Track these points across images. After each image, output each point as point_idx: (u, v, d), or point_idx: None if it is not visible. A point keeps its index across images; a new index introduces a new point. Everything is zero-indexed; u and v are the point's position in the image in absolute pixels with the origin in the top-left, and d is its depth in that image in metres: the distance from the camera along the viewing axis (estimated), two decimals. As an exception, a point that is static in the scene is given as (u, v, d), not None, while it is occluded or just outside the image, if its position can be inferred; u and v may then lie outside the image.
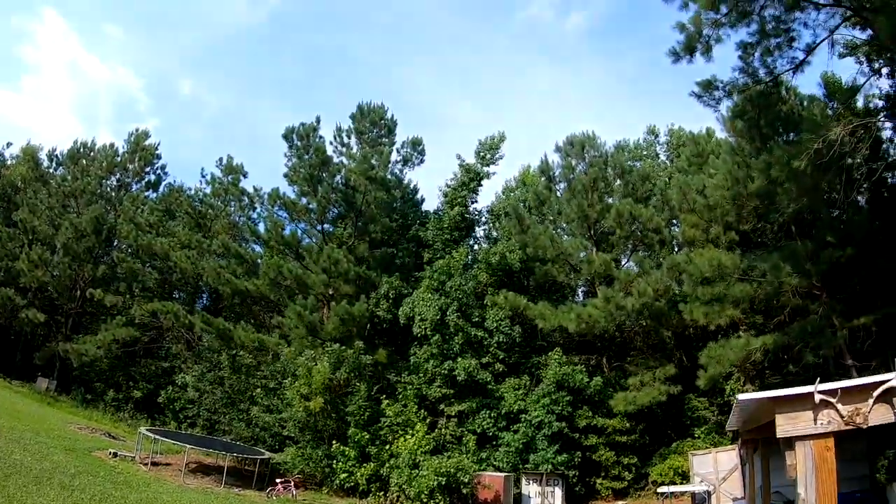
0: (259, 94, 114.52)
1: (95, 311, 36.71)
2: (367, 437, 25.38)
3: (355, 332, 28.37)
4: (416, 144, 34.62)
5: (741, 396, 4.52)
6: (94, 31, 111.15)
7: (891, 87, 22.62)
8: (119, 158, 40.73)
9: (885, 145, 24.45)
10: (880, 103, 21.92)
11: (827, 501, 4.23)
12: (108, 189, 40.22)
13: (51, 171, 41.70)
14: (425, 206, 35.85)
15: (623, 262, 30.90)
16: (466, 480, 23.32)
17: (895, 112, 22.34)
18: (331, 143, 34.01)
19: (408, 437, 25.24)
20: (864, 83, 22.20)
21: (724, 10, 20.89)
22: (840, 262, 22.02)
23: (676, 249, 29.52)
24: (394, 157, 33.99)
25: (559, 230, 31.80)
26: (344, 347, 26.47)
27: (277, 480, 22.87)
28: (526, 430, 26.27)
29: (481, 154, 31.71)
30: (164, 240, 34.61)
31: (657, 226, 28.73)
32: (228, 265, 31.75)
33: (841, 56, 24.22)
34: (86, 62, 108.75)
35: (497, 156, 31.75)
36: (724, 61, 31.42)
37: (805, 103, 25.04)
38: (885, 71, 22.80)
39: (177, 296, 37.59)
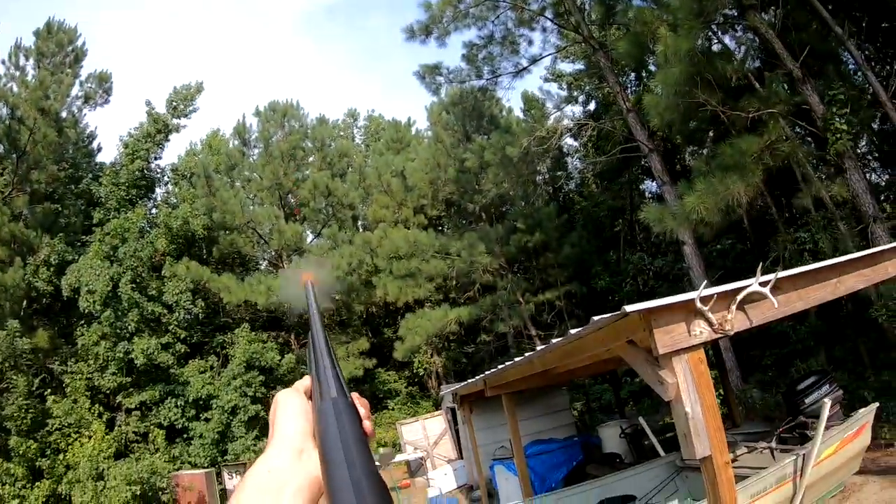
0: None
1: None
2: (35, 446, 19.69)
3: (8, 308, 21.50)
4: (103, 80, 27.09)
5: (597, 318, 4.69)
6: None
7: (581, 113, 26.14)
8: None
9: (566, 159, 28.34)
10: (570, 124, 25.20)
11: (712, 414, 4.72)
12: None
13: None
14: (101, 158, 29.24)
15: (311, 238, 29.59)
16: (164, 486, 19.73)
17: (578, 134, 25.97)
18: (3, 62, 25.02)
19: (84, 440, 20.31)
20: (558, 109, 25.45)
21: (463, 6, 21.87)
22: (527, 246, 25.02)
23: (362, 229, 29.61)
24: (75, 90, 26.40)
25: (250, 197, 28.83)
26: (-7, 329, 19.92)
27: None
28: (220, 417, 23.18)
29: (174, 104, 26.42)
30: None
31: (352, 202, 28.33)
32: None
33: (546, 80, 27.48)
34: None
35: (191, 108, 26.69)
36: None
37: (505, 112, 27.49)
38: (581, 99, 26.36)
39: None
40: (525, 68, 22.63)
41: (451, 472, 20.15)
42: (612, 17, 20.31)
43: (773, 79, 14.33)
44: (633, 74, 24.39)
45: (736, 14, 15.94)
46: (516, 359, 7.84)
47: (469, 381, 15.68)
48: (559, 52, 23.96)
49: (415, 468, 22.47)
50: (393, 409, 27.59)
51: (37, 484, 19.17)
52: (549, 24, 21.98)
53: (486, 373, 11.80)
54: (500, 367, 9.26)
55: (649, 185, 27.95)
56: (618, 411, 18.50)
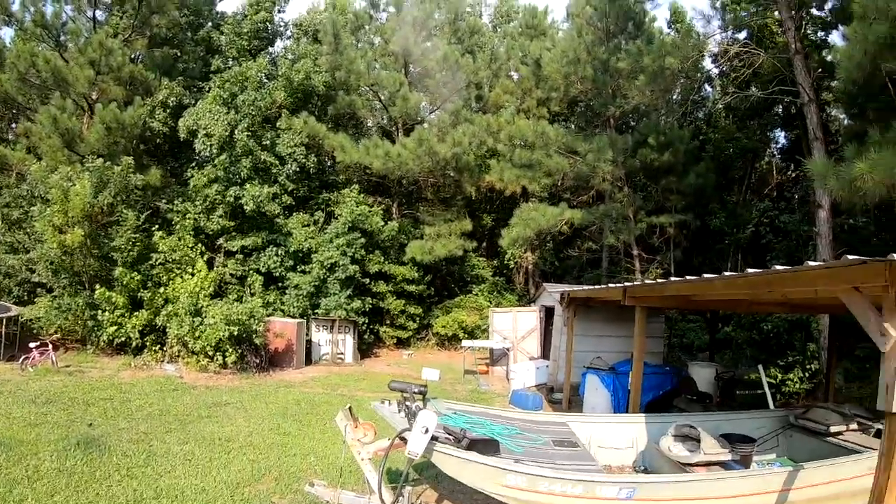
0: None
1: None
2: (139, 278, 19.26)
3: (123, 145, 20.96)
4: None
5: (851, 257, 4.39)
6: None
7: (727, 41, 22.68)
8: None
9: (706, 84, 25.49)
10: (715, 49, 22.26)
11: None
12: None
13: None
14: (222, 7, 28.39)
15: (430, 111, 27.63)
16: (260, 329, 18.89)
17: (719, 60, 22.90)
18: None
19: (186, 277, 19.67)
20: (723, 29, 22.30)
21: None
22: (652, 165, 22.70)
23: (477, 110, 27.56)
24: (202, -69, 24.42)
25: (375, 60, 26.92)
26: (109, 164, 19.30)
27: (31, 346, 16.29)
28: (318, 271, 22.64)
29: (301, -43, 25.46)
30: None
31: (479, 81, 26.46)
32: (-35, 52, 19.82)
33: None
34: None
35: (318, -37, 25.66)
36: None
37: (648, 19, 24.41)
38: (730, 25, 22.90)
39: None
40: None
41: (532, 369, 19.43)
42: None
43: None
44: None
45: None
46: (707, 275, 6.87)
47: (601, 286, 15.25)
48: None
49: (497, 356, 22.00)
50: (477, 295, 26.49)
51: (135, 314, 18.88)
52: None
53: (640, 282, 10.89)
54: (670, 280, 8.21)
55: (777, 135, 25.69)
56: (707, 354, 17.45)
